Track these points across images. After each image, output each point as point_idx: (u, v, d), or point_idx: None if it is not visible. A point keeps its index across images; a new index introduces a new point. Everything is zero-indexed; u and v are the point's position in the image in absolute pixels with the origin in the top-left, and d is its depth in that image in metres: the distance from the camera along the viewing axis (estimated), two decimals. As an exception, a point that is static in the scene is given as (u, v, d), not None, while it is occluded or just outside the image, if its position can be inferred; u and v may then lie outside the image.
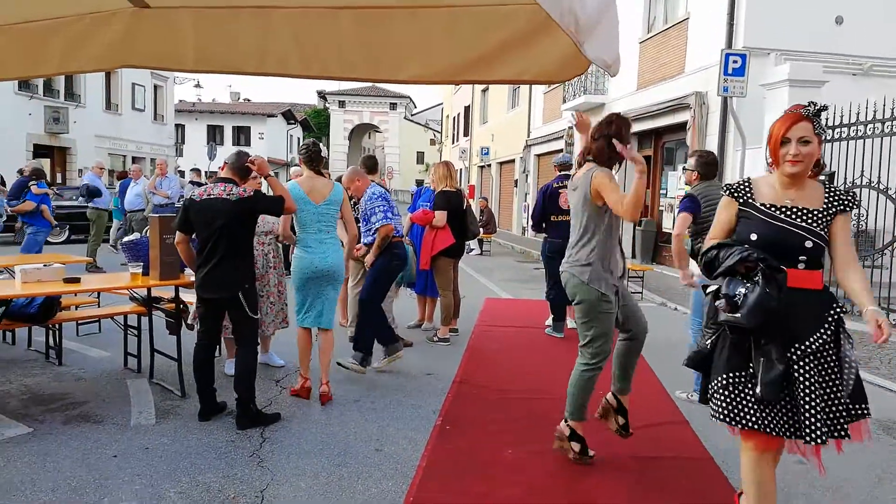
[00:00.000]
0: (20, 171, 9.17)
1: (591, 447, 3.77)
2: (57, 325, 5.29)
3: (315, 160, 4.65)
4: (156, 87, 30.00)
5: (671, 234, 13.61)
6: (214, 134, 41.96)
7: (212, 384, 4.30)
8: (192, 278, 4.74)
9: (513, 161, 24.16)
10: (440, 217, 6.27)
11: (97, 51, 2.41)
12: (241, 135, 43.08)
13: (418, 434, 4.09)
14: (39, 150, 22.47)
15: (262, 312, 5.14)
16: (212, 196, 4.06)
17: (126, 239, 5.11)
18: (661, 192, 13.72)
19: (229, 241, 4.03)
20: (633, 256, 14.30)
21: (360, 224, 5.57)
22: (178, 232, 4.21)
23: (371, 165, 5.93)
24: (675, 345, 6.10)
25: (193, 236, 4.19)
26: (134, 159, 25.69)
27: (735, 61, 9.73)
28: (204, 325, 4.30)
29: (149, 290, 4.89)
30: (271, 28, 2.12)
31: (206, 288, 4.14)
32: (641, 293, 9.88)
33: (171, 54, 2.35)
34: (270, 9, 2.06)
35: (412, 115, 55.01)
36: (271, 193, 4.38)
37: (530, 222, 7.46)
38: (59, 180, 22.20)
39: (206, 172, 14.87)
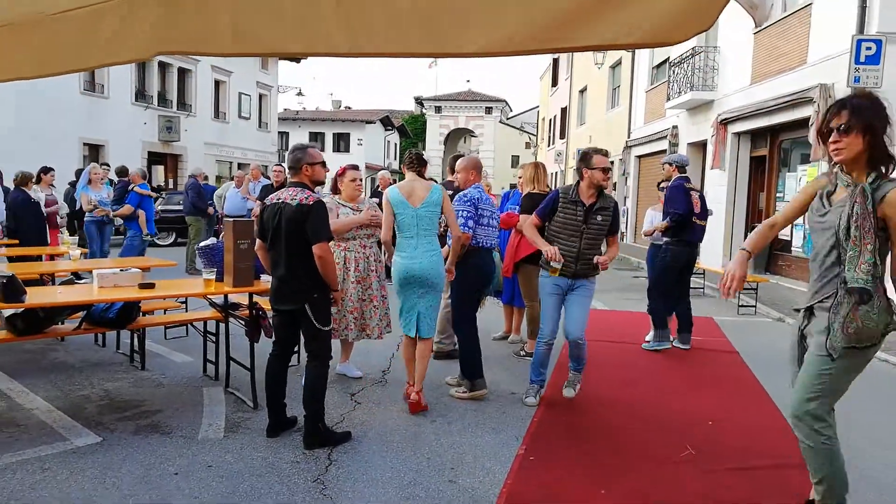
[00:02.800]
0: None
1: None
2: (140, 330, 5.26)
3: (417, 163, 4.61)
4: (261, 95, 31.19)
5: (787, 241, 12.45)
6: (316, 140, 43.19)
7: (282, 398, 4.06)
8: (269, 284, 4.59)
9: (612, 163, 23.16)
10: (524, 220, 5.74)
11: (135, 39, 2.17)
12: (341, 141, 44.14)
13: (497, 464, 3.66)
14: (153, 157, 23.83)
15: (366, 316, 4.90)
16: (279, 201, 3.83)
17: (202, 244, 5.01)
18: (778, 195, 12.54)
19: (290, 249, 3.78)
20: (745, 265, 13.17)
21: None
22: (258, 238, 4.03)
23: (450, 164, 5.65)
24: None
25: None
26: (239, 165, 26.76)
27: (869, 48, 8.66)
28: (277, 335, 4.08)
29: (225, 296, 4.75)
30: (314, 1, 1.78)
31: (276, 299, 3.93)
32: (755, 307, 8.96)
33: (207, 37, 2.06)
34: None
35: (507, 119, 54.48)
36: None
37: (650, 219, 6.93)
38: (171, 185, 23.42)
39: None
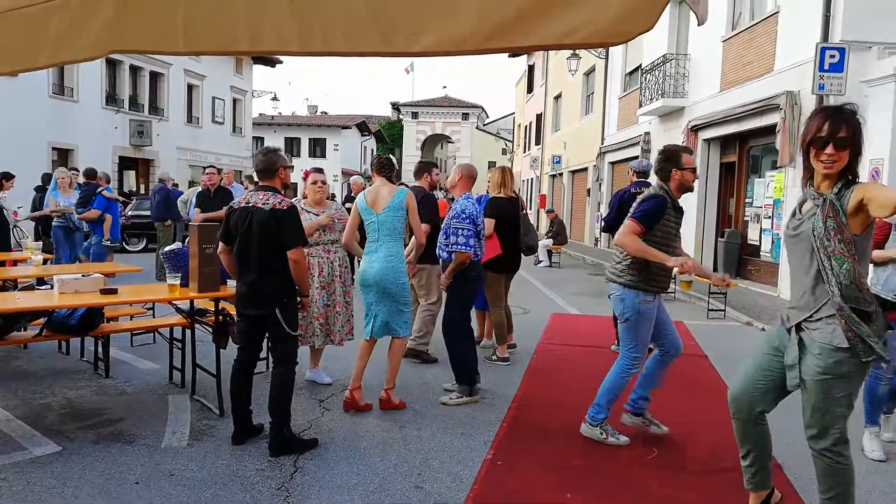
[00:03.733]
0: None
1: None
2: (103, 337, 5.16)
3: (385, 168, 4.62)
4: (234, 100, 30.91)
5: (756, 245, 12.70)
6: (292, 146, 42.93)
7: (248, 405, 4.01)
8: (234, 290, 4.53)
9: (585, 169, 23.36)
10: (487, 225, 5.74)
11: (87, 38, 2.13)
12: (317, 146, 43.91)
13: (465, 469, 3.65)
14: (125, 162, 23.47)
15: (330, 322, 4.87)
16: (248, 205, 3.78)
17: (167, 248, 4.93)
18: (747, 201, 12.75)
19: (261, 253, 3.74)
20: (715, 270, 13.36)
21: (441, 234, 5.21)
22: (220, 242, 3.97)
23: (416, 170, 5.83)
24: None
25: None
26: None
27: (832, 56, 8.86)
28: (242, 340, 4.02)
29: (191, 302, 4.68)
30: (264, -4, 1.76)
31: (243, 303, 3.87)
32: (724, 311, 9.08)
33: (160, 36, 2.04)
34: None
35: (484, 125, 54.72)
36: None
37: (601, 224, 6.97)
38: (142, 191, 23.07)
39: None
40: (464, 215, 4.88)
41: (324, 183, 5.04)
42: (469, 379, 4.86)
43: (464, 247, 4.81)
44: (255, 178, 4.57)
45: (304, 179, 5.05)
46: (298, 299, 3.93)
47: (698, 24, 1.44)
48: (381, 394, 4.59)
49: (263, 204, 3.74)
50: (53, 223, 9.11)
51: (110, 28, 2.10)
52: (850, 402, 2.58)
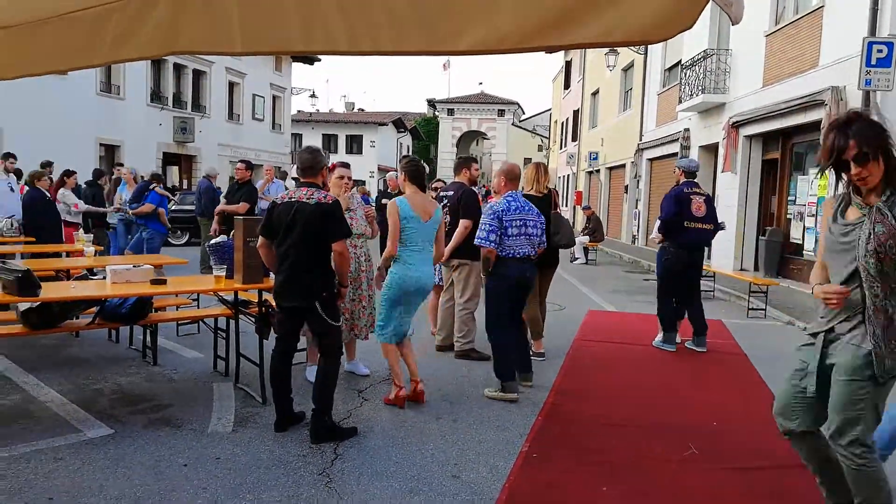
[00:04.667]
0: (97, 179, 9.66)
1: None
2: (152, 326, 5.35)
3: (420, 177, 4.69)
4: (274, 97, 31.43)
5: (799, 244, 12.43)
6: (329, 142, 43.42)
7: (289, 393, 4.13)
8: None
9: (623, 166, 23.12)
10: None
11: (143, 38, 2.24)
12: (354, 143, 44.32)
13: (501, 461, 3.70)
14: (168, 158, 24.10)
15: (355, 317, 4.97)
16: (293, 200, 3.90)
17: (213, 241, 5.09)
18: (790, 198, 12.47)
19: (305, 247, 3.85)
20: (756, 269, 13.12)
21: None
22: (260, 236, 4.09)
23: (456, 165, 5.96)
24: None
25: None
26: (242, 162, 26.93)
27: (880, 50, 8.63)
28: (281, 332, 4.14)
29: (235, 293, 4.83)
30: (314, -3, 1.84)
31: (283, 295, 3.99)
32: (765, 310, 8.93)
33: (218, 37, 2.13)
34: (312, -25, 1.78)
35: (520, 121, 54.48)
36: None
37: (657, 224, 6.87)
38: (185, 186, 23.64)
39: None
40: (489, 211, 4.94)
41: (350, 179, 5.08)
42: (500, 374, 4.85)
43: (483, 241, 4.82)
44: (294, 175, 4.69)
45: (330, 171, 5.09)
46: (336, 290, 4.04)
47: (732, 24, 1.45)
48: (417, 387, 4.65)
49: (308, 199, 3.85)
50: (116, 218, 9.70)
51: (168, 28, 2.19)
52: (874, 406, 2.54)
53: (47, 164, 9.88)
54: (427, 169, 4.89)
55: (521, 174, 5.41)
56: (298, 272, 3.88)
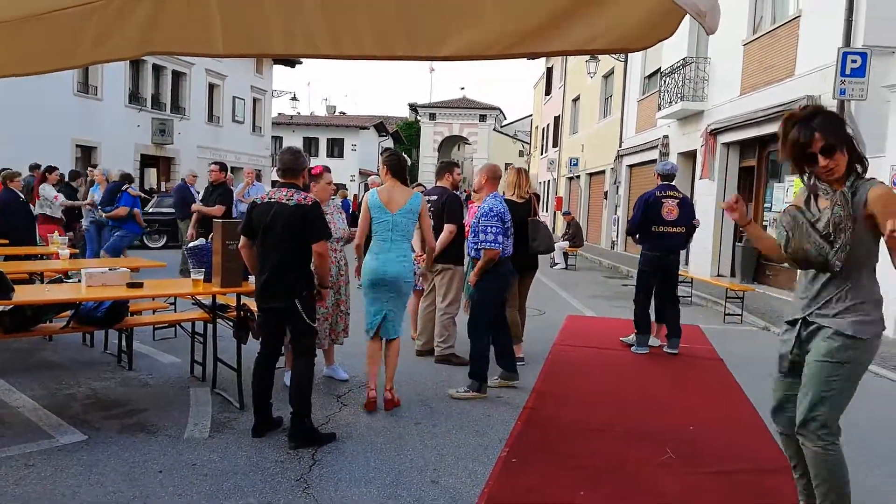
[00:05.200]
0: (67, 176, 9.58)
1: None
2: (127, 330, 5.27)
3: (401, 170, 4.63)
4: (255, 100, 31.22)
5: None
6: (310, 146, 43.23)
7: (269, 397, 4.09)
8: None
9: (603, 172, 23.31)
10: None
11: (124, 38, 2.22)
12: (335, 146, 44.19)
13: (480, 466, 3.70)
14: (146, 160, 23.82)
15: (333, 322, 4.94)
16: (272, 200, 3.87)
17: (191, 244, 5.03)
18: (766, 205, 12.66)
19: (285, 248, 3.83)
20: (733, 275, 13.28)
21: (470, 233, 5.27)
22: (241, 236, 4.06)
23: (437, 169, 5.92)
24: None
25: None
26: (232, 169, 26.73)
27: (854, 61, 8.80)
28: (264, 334, 4.11)
29: (213, 297, 4.78)
30: (297, 1, 1.83)
31: (263, 296, 3.96)
32: (741, 316, 9.04)
33: (197, 37, 2.11)
34: (293, -23, 1.77)
35: (501, 127, 54.70)
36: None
37: (627, 227, 7.04)
38: (163, 188, 23.36)
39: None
40: (492, 213, 4.97)
41: (331, 183, 5.08)
42: (479, 375, 4.95)
43: (493, 244, 4.90)
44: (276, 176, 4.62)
45: (317, 176, 5.05)
46: (316, 291, 4.03)
47: (707, 34, 1.48)
48: (384, 394, 4.59)
49: (287, 199, 3.83)
50: (88, 220, 9.52)
51: (147, 29, 2.17)
52: (842, 390, 2.61)
53: (35, 167, 9.69)
54: (409, 162, 4.83)
55: (501, 175, 5.47)
56: (278, 273, 3.85)
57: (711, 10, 1.30)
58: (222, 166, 9.35)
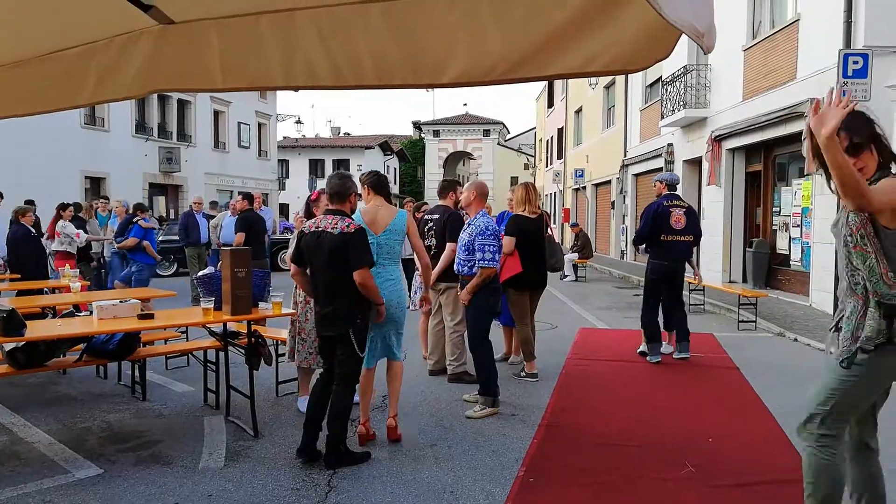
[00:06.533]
0: (61, 207, 9.62)
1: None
2: (140, 361, 5.29)
3: (383, 186, 4.48)
4: (260, 125, 31.49)
5: (785, 255, 12.48)
6: (316, 167, 43.49)
7: (321, 419, 4.03)
8: (267, 312, 4.64)
9: (609, 182, 23.30)
10: (507, 243, 5.81)
11: (127, 77, 2.23)
12: (341, 167, 44.29)
13: (497, 486, 3.66)
14: (154, 188, 24.00)
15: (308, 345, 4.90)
16: (318, 229, 3.91)
17: (200, 273, 5.05)
18: (774, 209, 12.59)
19: (332, 276, 3.87)
20: (745, 281, 13.19)
21: (460, 251, 5.29)
22: (292, 264, 4.13)
23: (440, 188, 6.05)
24: (796, 384, 5.33)
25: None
26: (240, 194, 26.91)
27: (856, 62, 8.78)
28: (323, 357, 4.20)
29: (224, 325, 4.78)
30: (295, 33, 1.87)
31: (319, 324, 4.05)
32: (755, 322, 8.96)
33: (198, 73, 2.14)
34: (291, 11, 1.78)
35: (505, 141, 54.86)
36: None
37: (633, 237, 7.12)
38: (171, 216, 23.54)
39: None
40: (488, 232, 5.06)
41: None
42: (492, 389, 4.99)
43: (491, 262, 5.01)
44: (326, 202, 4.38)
45: (314, 200, 5.08)
46: (375, 310, 4.03)
47: (705, 53, 1.48)
48: (388, 422, 4.39)
49: (332, 228, 3.85)
50: (110, 251, 9.66)
51: (149, 67, 2.19)
52: (849, 396, 2.51)
53: (30, 203, 9.83)
54: (388, 179, 4.76)
55: (489, 192, 5.55)
56: (330, 302, 3.91)
57: (708, 31, 1.30)
58: (245, 195, 9.48)
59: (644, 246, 6.86)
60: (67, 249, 9.37)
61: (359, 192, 4.22)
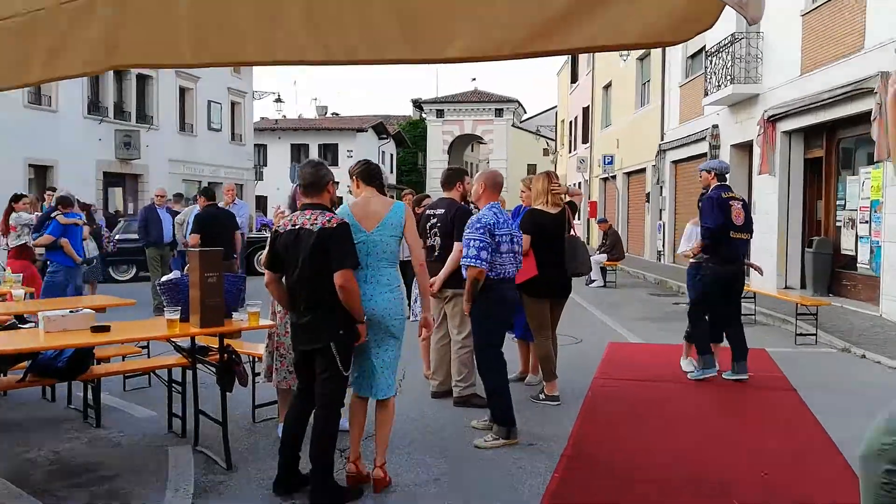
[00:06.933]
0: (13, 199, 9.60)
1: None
2: (94, 381, 5.32)
3: (376, 177, 4.39)
4: (233, 104, 31.65)
5: (851, 256, 12.46)
6: (299, 153, 43.66)
7: (299, 446, 4.06)
8: (242, 324, 4.66)
9: (643, 170, 23.31)
10: (523, 242, 5.77)
11: (83, 51, 2.25)
12: (328, 153, 44.54)
13: (512, 529, 3.68)
14: (110, 178, 24.13)
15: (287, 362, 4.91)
16: (295, 227, 3.91)
17: (164, 278, 5.08)
18: (838, 203, 12.57)
19: (314, 280, 3.84)
20: (803, 287, 13.17)
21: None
22: (266, 270, 4.11)
23: (445, 179, 6.01)
24: (864, 409, 5.32)
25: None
26: (210, 184, 27.03)
27: (935, 29, 8.73)
28: (299, 378, 4.18)
29: (192, 339, 4.80)
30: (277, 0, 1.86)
31: (296, 338, 4.04)
32: (816, 335, 8.95)
33: (164, 47, 2.15)
34: (272, -27, 1.80)
35: (521, 122, 54.93)
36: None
37: (692, 236, 6.99)
38: (129, 211, 23.64)
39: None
40: (477, 224, 4.98)
41: None
42: (504, 418, 4.93)
43: (474, 260, 4.86)
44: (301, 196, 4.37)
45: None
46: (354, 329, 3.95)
47: (749, 24, 1.48)
48: (374, 472, 4.15)
49: (311, 224, 3.84)
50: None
51: (108, 40, 2.21)
52: None
53: (19, 197, 9.81)
54: (382, 169, 4.70)
55: (503, 183, 5.45)
56: (309, 310, 3.88)
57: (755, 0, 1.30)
58: (204, 191, 9.50)
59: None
60: (26, 242, 9.30)
61: (336, 179, 4.19)
